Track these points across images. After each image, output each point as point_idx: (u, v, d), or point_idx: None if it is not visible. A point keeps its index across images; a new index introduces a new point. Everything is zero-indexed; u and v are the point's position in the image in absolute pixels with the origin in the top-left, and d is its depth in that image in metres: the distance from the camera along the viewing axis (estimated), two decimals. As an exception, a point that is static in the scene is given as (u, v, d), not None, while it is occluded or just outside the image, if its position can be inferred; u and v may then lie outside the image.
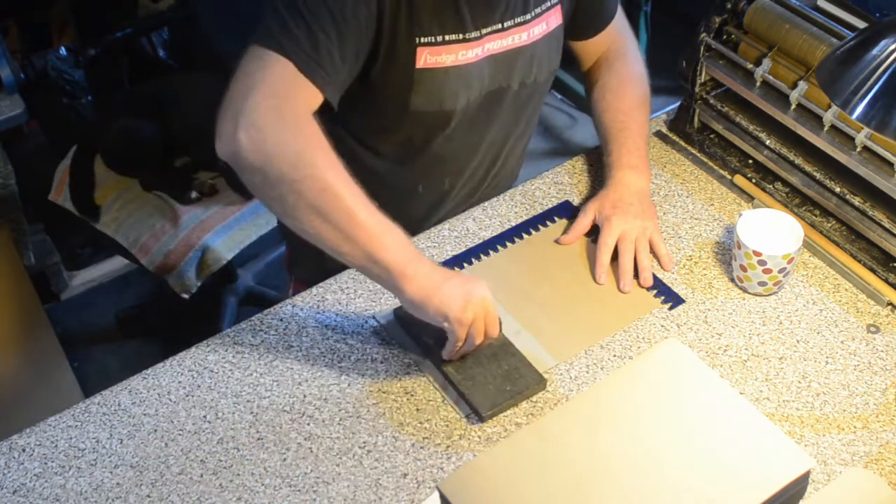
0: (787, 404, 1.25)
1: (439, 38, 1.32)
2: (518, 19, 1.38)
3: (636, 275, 1.40)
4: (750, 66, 1.49)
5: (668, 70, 1.74)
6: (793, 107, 1.45)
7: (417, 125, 1.40)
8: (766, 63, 1.47)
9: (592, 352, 1.32)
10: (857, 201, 1.40)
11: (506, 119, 1.48)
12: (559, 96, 3.24)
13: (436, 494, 1.11)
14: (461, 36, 1.33)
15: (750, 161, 1.56)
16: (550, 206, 1.53)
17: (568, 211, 1.52)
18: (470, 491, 1.04)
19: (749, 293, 1.38)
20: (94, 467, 1.21)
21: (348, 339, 1.35)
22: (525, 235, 1.49)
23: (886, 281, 1.37)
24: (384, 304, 1.39)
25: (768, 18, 1.46)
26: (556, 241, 1.47)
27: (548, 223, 1.50)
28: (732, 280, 1.40)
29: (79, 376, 2.33)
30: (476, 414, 1.24)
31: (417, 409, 1.26)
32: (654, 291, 1.39)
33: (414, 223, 1.46)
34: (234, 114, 1.17)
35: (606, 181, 1.47)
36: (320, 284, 1.42)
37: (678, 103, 1.65)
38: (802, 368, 1.29)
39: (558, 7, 1.44)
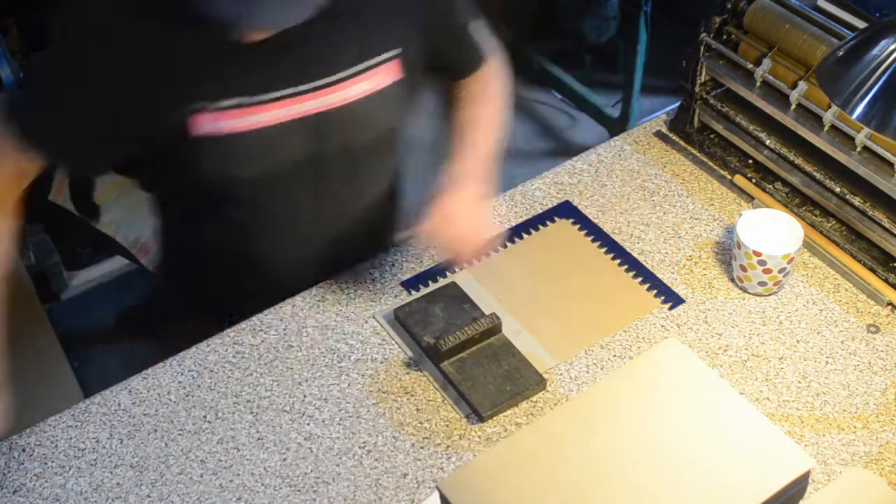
0: (787, 404, 1.25)
1: (215, 105, 1.21)
2: (325, 80, 1.24)
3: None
4: (750, 66, 1.49)
5: (668, 70, 1.74)
6: (793, 107, 1.45)
7: (218, 195, 1.31)
8: (766, 63, 1.47)
9: (592, 352, 1.32)
10: (857, 201, 1.40)
11: (337, 185, 1.36)
12: (559, 96, 3.24)
13: (436, 494, 1.11)
14: (244, 100, 1.21)
15: (750, 161, 1.56)
16: (550, 206, 1.53)
17: (568, 211, 1.52)
18: (470, 491, 1.04)
19: (749, 293, 1.38)
20: (94, 467, 1.21)
21: (348, 339, 1.35)
22: (525, 235, 1.49)
23: (886, 281, 1.37)
24: (384, 304, 1.39)
25: (768, 18, 1.46)
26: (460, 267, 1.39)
27: (548, 223, 1.50)
28: (732, 280, 1.40)
29: (79, 376, 2.32)
30: (476, 414, 1.24)
31: (417, 409, 1.26)
32: (655, 291, 1.39)
33: (280, 289, 1.40)
34: None
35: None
36: (320, 284, 1.42)
37: (678, 103, 1.65)
38: (802, 368, 1.29)
39: (395, 62, 1.28)
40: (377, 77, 1.28)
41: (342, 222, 1.42)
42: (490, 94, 1.44)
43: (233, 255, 1.41)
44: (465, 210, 1.31)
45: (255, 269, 1.42)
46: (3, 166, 1.24)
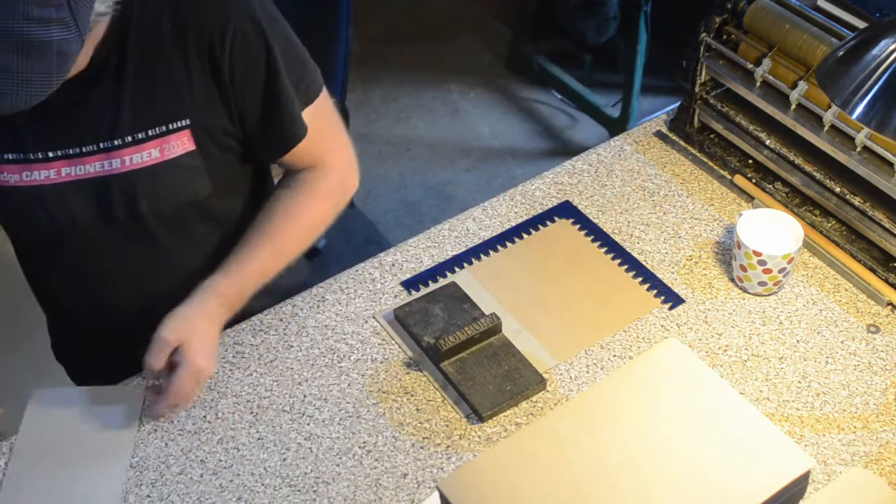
0: (787, 404, 1.25)
1: (0, 156, 1.21)
2: (103, 144, 1.21)
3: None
4: (750, 66, 1.49)
5: (668, 70, 1.74)
6: (793, 107, 1.45)
7: (19, 244, 1.37)
8: (766, 63, 1.47)
9: (592, 352, 1.32)
10: (857, 201, 1.40)
11: (138, 250, 1.31)
12: (559, 96, 3.24)
13: (436, 494, 1.11)
14: (21, 156, 1.21)
15: (750, 161, 1.56)
16: (550, 206, 1.53)
17: (568, 211, 1.52)
18: (470, 491, 1.04)
19: (749, 293, 1.38)
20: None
21: (348, 339, 1.35)
22: (525, 235, 1.49)
23: (886, 281, 1.37)
24: (384, 304, 1.39)
25: (768, 18, 1.46)
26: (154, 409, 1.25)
27: (548, 223, 1.50)
28: (732, 280, 1.40)
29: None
30: (476, 414, 1.24)
31: (417, 409, 1.26)
32: (655, 291, 1.39)
33: (119, 349, 1.34)
34: None
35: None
36: (320, 284, 1.42)
37: (678, 103, 1.65)
38: (802, 368, 1.29)
39: (186, 132, 1.23)
40: (168, 145, 1.24)
41: (153, 286, 1.36)
42: (309, 199, 1.34)
43: (59, 305, 1.44)
44: (205, 331, 1.24)
45: (97, 321, 1.41)
46: None
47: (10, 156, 1.21)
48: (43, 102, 1.06)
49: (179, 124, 1.23)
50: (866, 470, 1.18)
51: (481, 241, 1.48)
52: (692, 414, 1.10)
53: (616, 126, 2.99)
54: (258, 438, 1.23)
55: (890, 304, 1.36)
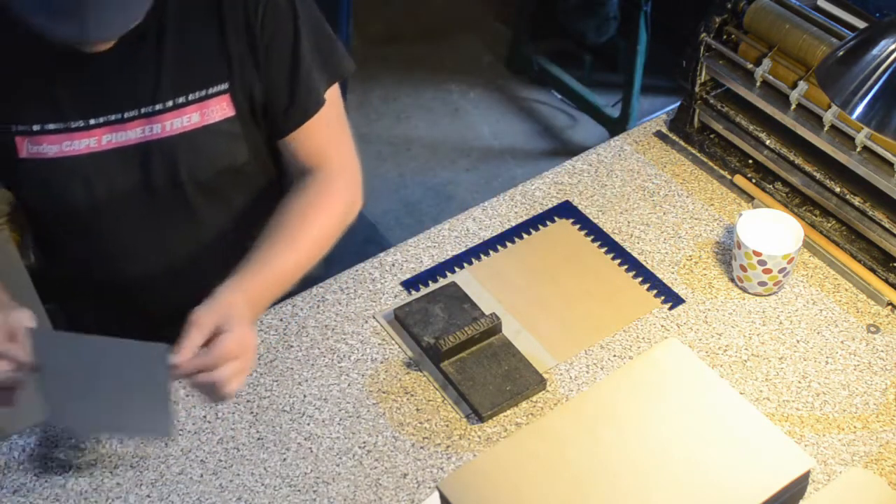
0: (787, 404, 1.25)
1: (37, 128, 1.20)
2: (144, 110, 1.22)
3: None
4: (750, 66, 1.49)
5: (668, 70, 1.74)
6: (793, 107, 1.45)
7: (43, 223, 1.31)
8: (766, 63, 1.47)
9: (592, 352, 1.32)
10: (857, 201, 1.40)
11: (175, 219, 1.31)
12: (559, 96, 3.24)
13: (436, 494, 1.11)
14: (62, 125, 1.20)
15: (750, 161, 1.56)
16: (550, 206, 1.53)
17: (568, 211, 1.52)
18: (470, 491, 1.04)
19: (749, 293, 1.38)
20: (94, 467, 1.21)
21: (348, 339, 1.35)
22: (525, 235, 1.49)
23: (886, 281, 1.37)
24: (384, 304, 1.39)
25: (768, 18, 1.46)
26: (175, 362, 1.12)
27: (548, 223, 1.50)
28: (732, 280, 1.40)
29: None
30: (476, 414, 1.24)
31: (417, 409, 1.26)
32: (655, 291, 1.39)
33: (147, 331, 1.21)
34: None
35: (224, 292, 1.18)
36: (320, 284, 1.42)
37: (678, 103, 1.65)
38: (802, 368, 1.29)
39: (226, 97, 1.25)
40: (209, 110, 1.25)
41: (186, 260, 1.35)
42: (322, 202, 1.31)
43: (91, 283, 1.39)
44: (244, 317, 1.15)
45: (121, 299, 1.39)
46: None
47: (51, 126, 1.20)
48: (84, 69, 1.11)
49: (219, 88, 1.24)
50: (866, 470, 1.18)
51: (481, 241, 1.48)
52: (692, 414, 1.10)
53: (616, 126, 2.99)
54: (258, 438, 1.23)
55: (890, 304, 1.36)
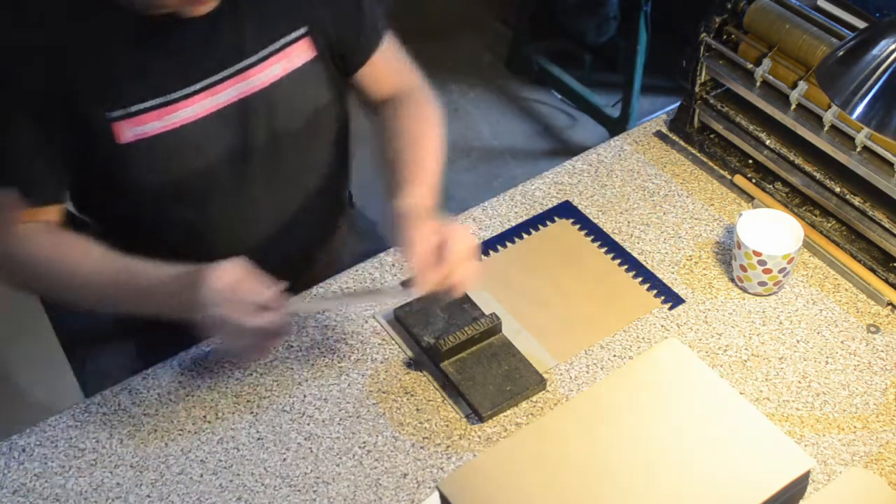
0: (787, 404, 1.25)
1: (135, 108, 1.19)
2: (237, 66, 1.24)
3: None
4: (750, 66, 1.49)
5: (668, 70, 1.74)
6: (793, 107, 1.45)
7: (162, 202, 1.29)
8: (766, 63, 1.47)
9: (592, 352, 1.32)
10: (857, 201, 1.40)
11: (277, 174, 1.34)
12: (559, 96, 3.24)
13: (436, 494, 1.11)
14: (162, 99, 1.20)
15: (750, 161, 1.56)
16: (550, 206, 1.53)
17: (568, 211, 1.52)
18: (470, 491, 1.04)
19: (749, 293, 1.38)
20: (94, 467, 1.21)
21: (348, 339, 1.35)
22: (525, 235, 1.49)
23: (886, 281, 1.37)
24: (384, 304, 1.39)
25: (768, 18, 1.46)
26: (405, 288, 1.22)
27: (548, 223, 1.50)
28: (732, 280, 1.40)
29: (79, 376, 2.32)
30: (476, 414, 1.24)
31: (417, 409, 1.26)
32: (655, 291, 1.39)
33: None
34: None
35: (402, 203, 1.23)
36: (320, 284, 1.42)
37: (678, 103, 1.65)
38: (802, 368, 1.29)
39: (305, 41, 1.28)
40: (290, 57, 1.28)
41: (280, 217, 1.39)
42: (427, 113, 1.40)
43: (189, 250, 1.35)
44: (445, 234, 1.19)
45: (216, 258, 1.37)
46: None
47: (151, 102, 1.20)
48: (174, 38, 1.16)
49: (299, 33, 1.28)
50: (866, 470, 1.18)
51: (481, 240, 1.48)
52: (692, 414, 1.10)
53: (616, 126, 2.99)
54: (258, 438, 1.23)
55: (890, 304, 1.36)
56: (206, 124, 1.25)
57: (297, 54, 1.28)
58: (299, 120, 1.32)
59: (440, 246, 1.17)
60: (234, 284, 1.14)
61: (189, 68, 1.22)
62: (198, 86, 1.22)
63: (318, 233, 1.50)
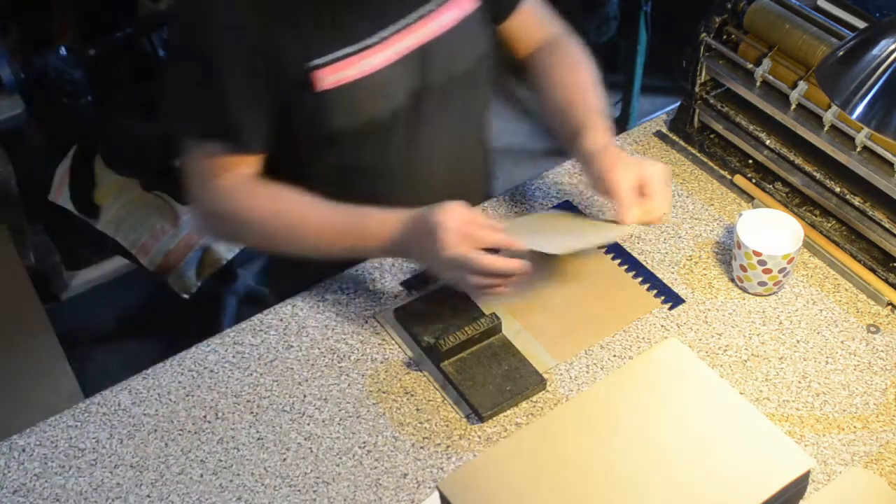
0: (787, 404, 1.25)
1: (332, 56, 1.26)
2: (421, 11, 1.31)
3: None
4: (750, 66, 1.49)
5: (668, 70, 1.74)
6: (793, 107, 1.45)
7: (351, 146, 1.36)
8: (766, 63, 1.47)
9: (592, 352, 1.32)
10: (857, 201, 1.40)
11: (444, 118, 1.41)
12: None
13: (436, 494, 1.11)
14: (358, 45, 1.27)
15: (750, 161, 1.56)
16: (550, 206, 1.53)
17: (568, 211, 1.52)
18: (470, 491, 1.04)
19: (749, 293, 1.38)
20: (94, 467, 1.21)
21: (348, 339, 1.35)
22: (525, 235, 1.49)
23: (886, 281, 1.37)
24: (384, 304, 1.39)
25: (768, 18, 1.46)
26: (615, 221, 1.32)
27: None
28: (732, 280, 1.40)
29: (79, 376, 2.33)
30: (476, 414, 1.24)
31: (417, 409, 1.26)
32: (654, 291, 1.39)
33: None
34: (195, 215, 1.38)
35: (592, 153, 1.33)
36: (320, 284, 1.42)
37: (678, 103, 1.65)
38: (802, 368, 1.29)
39: None
40: (461, 4, 1.35)
41: (446, 159, 1.46)
42: (579, 58, 1.50)
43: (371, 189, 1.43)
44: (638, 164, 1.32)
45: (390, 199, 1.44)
46: (235, 174, 1.32)
47: (349, 49, 1.27)
48: None
49: None
50: (866, 470, 1.18)
51: (481, 241, 1.47)
52: (692, 414, 1.10)
53: (616, 126, 2.97)
54: (258, 438, 1.23)
55: (890, 304, 1.36)
56: (393, 69, 1.31)
57: (466, 1, 1.36)
58: (468, 63, 1.39)
59: (640, 180, 1.28)
60: (468, 224, 1.21)
61: (380, 16, 1.29)
62: (387, 31, 1.29)
63: (473, 177, 1.56)
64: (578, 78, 1.45)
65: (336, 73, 1.27)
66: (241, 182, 1.32)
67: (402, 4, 1.30)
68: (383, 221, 1.26)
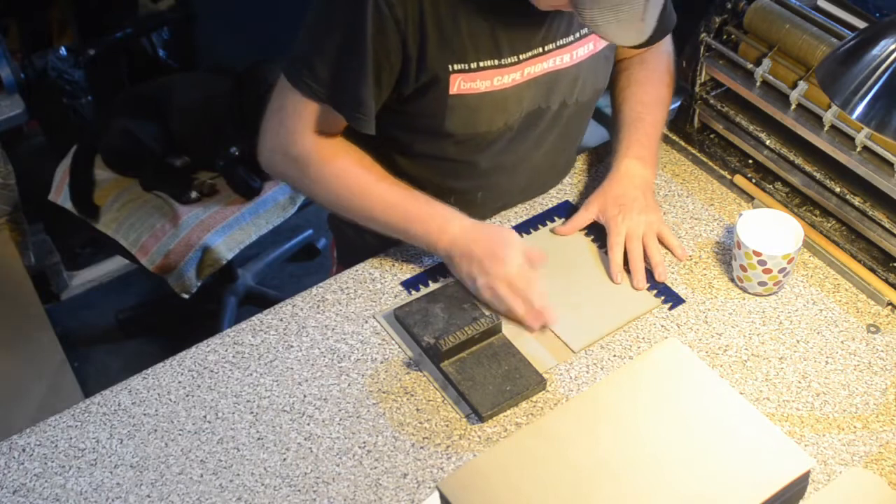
0: (787, 404, 1.25)
1: (473, 65, 1.31)
2: (560, 42, 1.36)
3: (649, 272, 1.40)
4: (750, 66, 1.49)
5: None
6: (793, 107, 1.45)
7: (452, 145, 1.41)
8: (766, 63, 1.47)
9: (592, 352, 1.32)
10: (857, 201, 1.40)
11: (546, 138, 1.47)
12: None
13: (436, 494, 1.11)
14: (497, 62, 1.32)
15: (750, 161, 1.56)
16: (550, 206, 1.53)
17: (568, 211, 1.52)
18: (470, 491, 1.04)
19: (749, 293, 1.38)
20: (94, 467, 1.21)
21: (348, 339, 1.35)
22: (525, 235, 1.49)
23: (886, 281, 1.37)
24: (384, 304, 1.39)
25: (768, 18, 1.46)
26: (553, 231, 1.48)
27: (547, 223, 1.50)
28: (732, 280, 1.40)
29: (79, 376, 2.33)
30: (476, 414, 1.24)
31: (417, 409, 1.26)
32: (654, 291, 1.39)
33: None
34: (265, 145, 1.40)
35: (610, 171, 1.47)
36: (320, 284, 1.42)
37: (678, 103, 1.65)
38: (802, 368, 1.29)
39: None
40: (595, 41, 1.41)
41: (529, 171, 1.51)
42: (661, 74, 1.55)
43: (452, 200, 1.47)
44: (642, 194, 1.44)
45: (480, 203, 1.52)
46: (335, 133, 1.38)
47: (488, 62, 1.32)
48: (517, 11, 1.28)
49: None
50: (866, 470, 1.18)
51: (481, 241, 1.48)
52: (692, 414, 1.10)
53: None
54: (258, 438, 1.23)
55: (890, 304, 1.36)
56: (519, 89, 1.37)
57: (599, 40, 1.41)
58: (587, 95, 1.46)
59: (627, 247, 1.42)
60: (514, 277, 1.32)
61: (525, 38, 1.33)
62: (528, 54, 1.34)
63: (551, 184, 1.59)
64: (644, 95, 1.52)
65: (469, 82, 1.32)
66: (323, 141, 1.36)
67: (547, 32, 1.34)
68: (450, 220, 1.36)
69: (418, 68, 1.30)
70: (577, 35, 1.37)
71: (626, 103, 1.52)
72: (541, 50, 1.35)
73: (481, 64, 1.32)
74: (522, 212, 1.52)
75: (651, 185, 1.47)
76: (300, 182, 1.41)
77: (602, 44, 1.41)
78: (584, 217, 1.46)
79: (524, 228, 1.49)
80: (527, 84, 1.36)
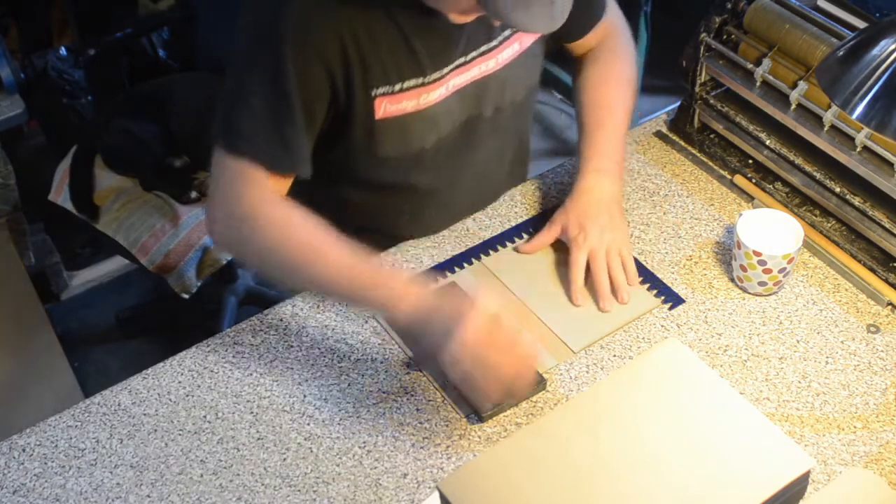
0: (787, 404, 1.25)
1: (398, 87, 1.28)
2: (483, 48, 1.33)
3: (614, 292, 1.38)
4: (750, 66, 1.49)
5: (668, 70, 1.74)
6: (793, 107, 1.45)
7: (387, 168, 1.37)
8: (766, 63, 1.47)
9: (592, 352, 1.32)
10: (857, 201, 1.40)
11: (486, 143, 1.44)
12: (559, 96, 3.23)
13: (436, 494, 1.11)
14: (421, 80, 1.29)
15: (750, 161, 1.56)
16: (550, 206, 1.53)
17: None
18: (470, 491, 1.04)
19: (749, 293, 1.38)
20: (94, 467, 1.21)
21: (348, 339, 1.35)
22: (525, 235, 1.49)
23: (886, 281, 1.37)
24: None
25: (768, 18, 1.46)
26: (516, 250, 1.45)
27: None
28: (732, 280, 1.40)
29: (79, 376, 2.33)
30: (476, 414, 1.24)
31: (417, 409, 1.26)
32: (654, 291, 1.39)
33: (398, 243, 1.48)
34: (212, 217, 1.30)
35: (573, 187, 1.43)
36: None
37: (678, 103, 1.65)
38: (802, 368, 1.29)
39: None
40: (524, 38, 1.37)
41: (481, 179, 1.49)
42: (618, 74, 1.50)
43: (405, 220, 1.47)
44: (606, 210, 1.40)
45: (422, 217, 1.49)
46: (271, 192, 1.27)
47: (411, 81, 1.29)
48: (434, 23, 1.25)
49: None
50: (866, 470, 1.18)
51: (481, 240, 1.48)
52: (692, 414, 1.10)
53: (616, 126, 2.98)
54: (258, 438, 1.23)
55: (890, 304, 1.36)
56: (448, 102, 1.34)
57: (527, 36, 1.37)
58: (520, 94, 1.43)
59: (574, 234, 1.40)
60: (484, 346, 1.15)
61: (446, 52, 1.30)
62: (450, 67, 1.31)
63: (508, 186, 1.58)
64: (603, 98, 1.49)
65: (395, 104, 1.29)
66: (269, 198, 1.26)
67: (466, 42, 1.30)
68: (407, 286, 1.20)
69: (345, 97, 1.26)
70: (500, 38, 1.34)
71: (584, 109, 1.49)
72: (464, 59, 1.31)
73: (405, 85, 1.28)
74: (522, 212, 1.52)
75: (617, 198, 1.42)
76: (248, 243, 1.28)
77: (528, 42, 1.37)
78: (547, 236, 1.43)
79: (524, 229, 1.49)
80: (454, 97, 1.34)
